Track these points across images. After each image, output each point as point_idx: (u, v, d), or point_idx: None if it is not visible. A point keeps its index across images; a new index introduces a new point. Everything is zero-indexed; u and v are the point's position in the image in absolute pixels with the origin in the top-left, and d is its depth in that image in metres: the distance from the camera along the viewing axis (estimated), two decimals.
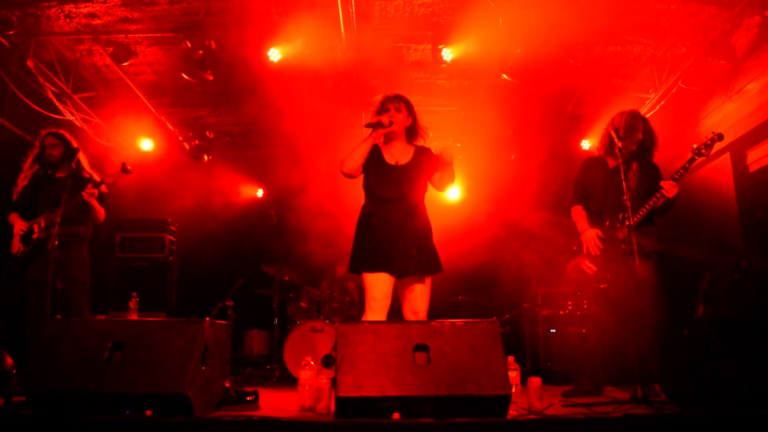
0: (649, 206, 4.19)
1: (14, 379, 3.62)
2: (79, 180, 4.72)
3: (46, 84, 6.35)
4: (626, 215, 3.88)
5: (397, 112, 3.85)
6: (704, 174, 6.66)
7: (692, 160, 4.16)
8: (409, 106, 3.94)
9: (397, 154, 3.88)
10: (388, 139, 3.90)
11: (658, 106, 6.72)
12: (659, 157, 4.52)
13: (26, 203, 4.83)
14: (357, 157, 3.76)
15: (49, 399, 2.93)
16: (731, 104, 6.24)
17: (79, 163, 4.82)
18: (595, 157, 4.66)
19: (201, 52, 6.03)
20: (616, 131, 4.21)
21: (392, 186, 3.77)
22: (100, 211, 4.83)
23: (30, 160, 4.96)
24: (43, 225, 4.66)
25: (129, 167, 4.73)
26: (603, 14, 5.83)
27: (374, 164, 3.81)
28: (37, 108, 6.49)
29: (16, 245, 4.76)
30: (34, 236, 4.68)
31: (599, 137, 4.61)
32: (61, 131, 4.98)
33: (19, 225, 4.75)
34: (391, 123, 3.79)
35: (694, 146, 4.16)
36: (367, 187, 3.87)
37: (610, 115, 4.56)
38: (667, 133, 6.22)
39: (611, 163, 4.48)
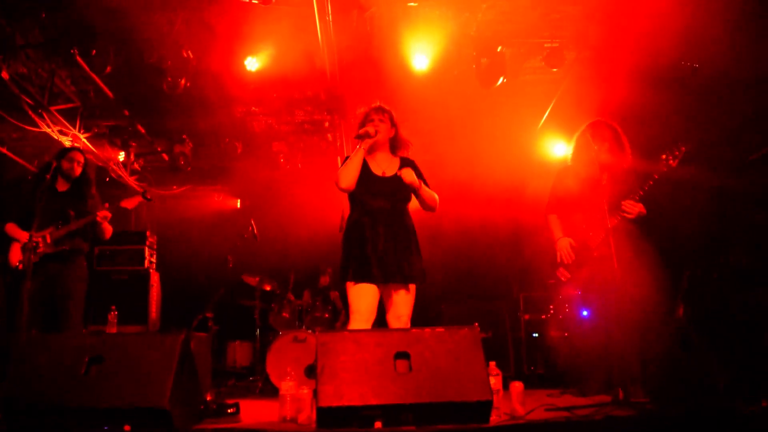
0: (620, 218, 4.14)
1: None
2: (83, 197, 4.75)
3: (22, 96, 6.26)
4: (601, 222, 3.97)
5: (380, 123, 3.86)
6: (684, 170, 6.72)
7: (660, 171, 4.07)
8: (392, 117, 3.95)
9: (384, 165, 3.88)
10: (373, 149, 3.89)
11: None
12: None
13: (24, 214, 4.66)
14: (352, 170, 3.75)
15: (25, 414, 2.88)
16: None
17: (90, 182, 4.88)
18: (569, 167, 4.66)
19: (178, 62, 6.02)
20: (587, 142, 4.25)
21: (379, 196, 3.78)
22: (108, 230, 4.84)
23: (38, 170, 4.96)
24: (49, 240, 4.55)
25: (149, 195, 4.82)
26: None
27: (361, 175, 3.79)
28: (13, 120, 6.41)
29: (16, 257, 4.57)
30: (40, 250, 4.51)
31: (571, 148, 4.64)
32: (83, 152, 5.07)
33: (22, 236, 4.55)
34: (376, 132, 3.79)
35: (663, 157, 4.06)
36: (354, 198, 3.87)
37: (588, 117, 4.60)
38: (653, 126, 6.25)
39: (584, 172, 4.43)
